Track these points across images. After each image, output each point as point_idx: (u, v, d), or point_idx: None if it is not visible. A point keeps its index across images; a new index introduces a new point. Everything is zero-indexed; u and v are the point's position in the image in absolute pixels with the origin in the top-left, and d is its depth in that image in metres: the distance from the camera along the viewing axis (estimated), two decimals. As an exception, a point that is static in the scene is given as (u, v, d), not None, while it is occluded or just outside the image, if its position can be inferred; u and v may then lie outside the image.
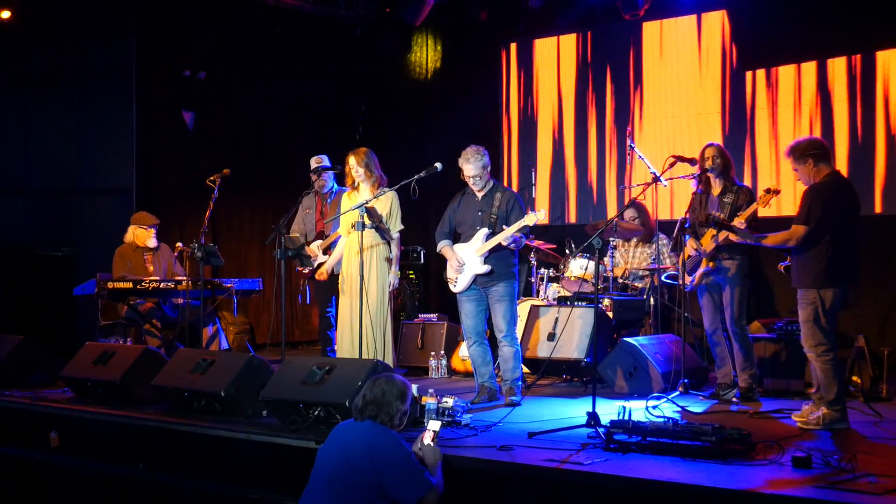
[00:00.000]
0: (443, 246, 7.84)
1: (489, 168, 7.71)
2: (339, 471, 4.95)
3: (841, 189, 6.56)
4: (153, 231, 9.80)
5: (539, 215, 7.40)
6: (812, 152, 6.50)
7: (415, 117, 13.29)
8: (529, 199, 11.20)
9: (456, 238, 7.88)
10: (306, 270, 9.17)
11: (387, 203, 8.05)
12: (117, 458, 7.12)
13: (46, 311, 10.64)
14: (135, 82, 11.27)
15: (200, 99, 11.79)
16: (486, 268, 7.57)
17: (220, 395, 6.87)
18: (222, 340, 9.82)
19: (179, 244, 9.79)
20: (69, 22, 11.44)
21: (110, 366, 7.74)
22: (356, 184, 8.17)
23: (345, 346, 8.00)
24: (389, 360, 8.05)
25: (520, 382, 7.67)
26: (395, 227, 8.10)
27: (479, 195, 7.74)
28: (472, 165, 7.62)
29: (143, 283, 9.23)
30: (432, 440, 5.30)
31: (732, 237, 6.99)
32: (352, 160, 8.12)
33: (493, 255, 7.59)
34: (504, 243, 7.49)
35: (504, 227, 7.54)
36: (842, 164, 9.93)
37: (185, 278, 9.43)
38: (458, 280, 7.72)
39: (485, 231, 7.62)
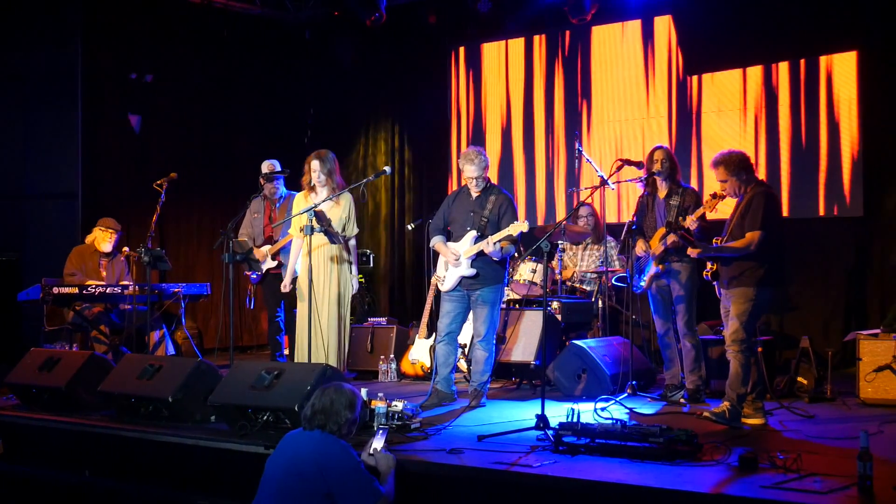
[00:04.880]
0: (436, 242, 7.84)
1: (489, 169, 7.73)
2: (289, 481, 4.93)
3: (776, 196, 7.05)
4: (114, 237, 9.74)
5: (524, 226, 7.41)
6: (746, 165, 6.83)
7: (364, 121, 13.25)
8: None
9: (448, 237, 7.86)
10: (254, 275, 9.12)
11: (344, 206, 7.93)
12: (63, 465, 7.04)
13: (-10, 317, 10.49)
14: (80, 85, 11.12)
15: (147, 102, 11.70)
16: (471, 271, 7.58)
17: (168, 400, 6.82)
18: (169, 346, 9.74)
19: (126, 248, 9.71)
20: (13, 24, 11.28)
21: (56, 372, 7.64)
22: (313, 185, 8.02)
23: (303, 351, 7.92)
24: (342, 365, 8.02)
25: (487, 386, 7.75)
26: (351, 230, 7.97)
27: (475, 195, 7.74)
28: (474, 167, 7.61)
29: (88, 289, 9.12)
30: (383, 447, 5.30)
31: (692, 252, 7.03)
32: (315, 163, 7.89)
33: (480, 259, 7.59)
34: (488, 251, 7.49)
35: (493, 231, 7.55)
36: (785, 168, 10.07)
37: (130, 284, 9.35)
38: (446, 279, 7.74)
39: (473, 234, 7.63)
